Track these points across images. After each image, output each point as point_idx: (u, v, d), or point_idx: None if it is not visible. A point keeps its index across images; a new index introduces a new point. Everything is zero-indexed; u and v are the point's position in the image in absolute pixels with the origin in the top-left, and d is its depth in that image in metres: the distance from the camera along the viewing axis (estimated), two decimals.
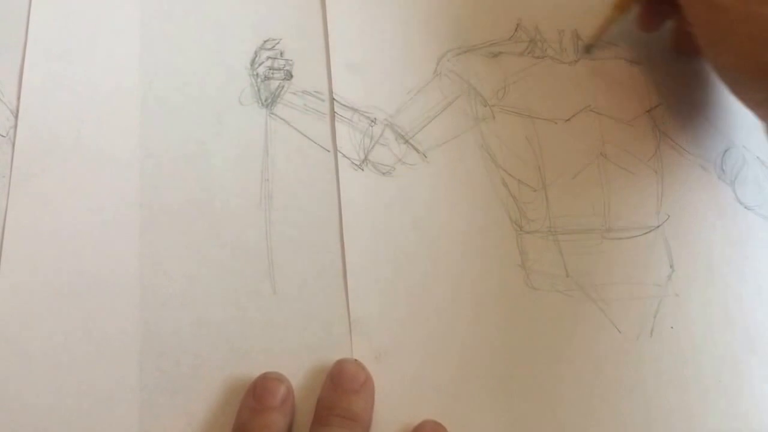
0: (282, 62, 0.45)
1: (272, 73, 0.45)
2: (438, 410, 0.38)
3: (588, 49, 0.47)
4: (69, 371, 0.37)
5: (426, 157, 0.44)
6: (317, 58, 0.46)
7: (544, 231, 0.43)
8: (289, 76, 0.45)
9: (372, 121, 0.44)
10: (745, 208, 0.44)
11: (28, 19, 0.44)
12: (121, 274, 0.39)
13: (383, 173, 0.43)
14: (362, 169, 0.43)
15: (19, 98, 0.42)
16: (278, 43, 0.46)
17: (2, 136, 0.42)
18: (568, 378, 0.40)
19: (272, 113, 0.44)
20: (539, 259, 0.42)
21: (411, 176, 0.43)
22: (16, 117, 0.42)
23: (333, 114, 0.44)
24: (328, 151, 0.43)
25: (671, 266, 0.42)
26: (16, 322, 0.38)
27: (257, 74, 0.45)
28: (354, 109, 0.44)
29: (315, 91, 0.45)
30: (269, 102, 0.44)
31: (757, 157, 0.45)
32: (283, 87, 0.44)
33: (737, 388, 0.40)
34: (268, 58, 0.45)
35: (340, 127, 0.44)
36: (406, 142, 0.44)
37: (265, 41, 0.46)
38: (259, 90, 0.44)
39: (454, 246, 0.42)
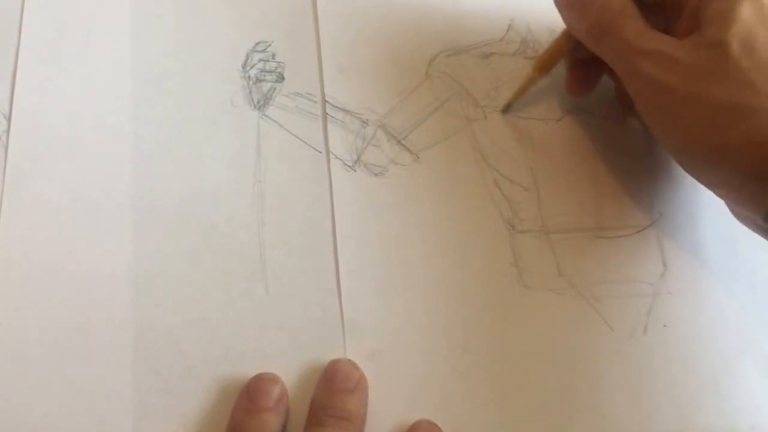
0: (274, 64, 0.46)
1: (264, 75, 0.45)
2: (432, 409, 0.39)
3: (506, 109, 0.46)
4: (62, 372, 0.38)
5: (418, 157, 0.44)
6: (309, 60, 0.46)
7: (536, 230, 0.43)
8: (280, 78, 0.45)
9: (364, 123, 0.45)
10: None
11: (20, 22, 0.45)
12: (114, 276, 0.40)
13: (376, 174, 0.44)
14: (355, 170, 0.44)
15: (11, 102, 0.43)
16: (270, 45, 0.46)
17: None
18: (561, 376, 0.40)
19: (264, 115, 0.44)
20: (532, 258, 0.43)
21: (403, 177, 0.44)
22: (9, 120, 0.43)
23: (325, 115, 0.45)
24: (320, 152, 0.44)
25: (664, 264, 0.43)
26: (9, 323, 0.38)
27: (249, 76, 0.45)
28: (346, 111, 0.45)
29: (307, 93, 0.45)
30: (261, 104, 0.45)
31: None
32: (275, 89, 0.45)
33: (731, 386, 0.41)
34: (260, 60, 0.46)
35: (332, 128, 0.44)
36: (399, 142, 0.45)
37: (256, 43, 0.46)
38: (251, 92, 0.45)
39: (446, 246, 0.42)
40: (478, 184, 0.44)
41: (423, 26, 0.48)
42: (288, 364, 0.39)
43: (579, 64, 0.45)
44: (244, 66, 0.46)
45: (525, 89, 0.45)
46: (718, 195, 0.39)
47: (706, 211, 0.45)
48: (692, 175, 0.39)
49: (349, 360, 0.39)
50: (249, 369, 0.39)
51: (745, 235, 0.44)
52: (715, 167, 0.37)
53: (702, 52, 0.36)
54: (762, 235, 0.38)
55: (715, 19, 0.36)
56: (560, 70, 0.46)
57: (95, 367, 0.38)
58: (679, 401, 0.40)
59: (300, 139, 0.44)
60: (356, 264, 0.41)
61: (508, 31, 0.49)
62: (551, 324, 0.41)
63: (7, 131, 0.42)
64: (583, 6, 0.40)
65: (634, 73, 0.38)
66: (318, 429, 0.37)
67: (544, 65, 0.44)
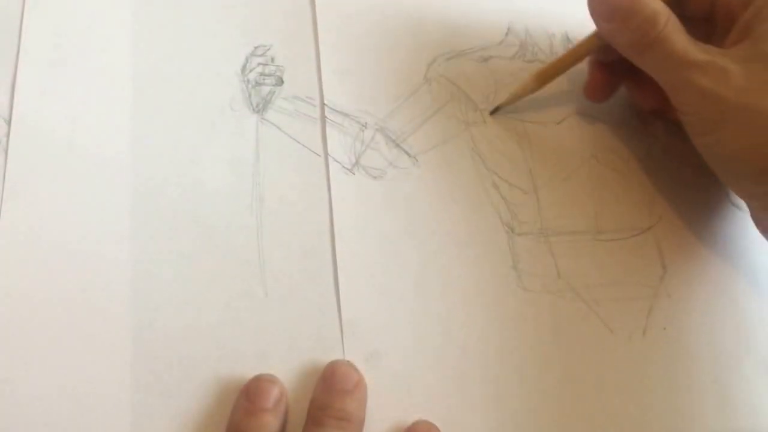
0: (273, 68, 0.48)
1: (263, 79, 0.47)
2: (430, 410, 0.40)
3: (494, 111, 0.48)
4: (60, 375, 0.39)
5: (417, 161, 0.46)
6: (308, 63, 0.48)
7: (535, 233, 0.45)
8: (279, 81, 0.47)
9: (363, 126, 0.47)
10: (738, 209, 0.47)
11: (20, 26, 0.47)
12: (113, 279, 0.41)
13: (374, 177, 0.45)
14: (353, 173, 0.45)
15: (11, 106, 0.44)
16: (269, 49, 0.48)
17: None
18: (560, 379, 0.42)
19: (263, 118, 0.46)
20: (531, 260, 0.44)
21: (402, 180, 0.46)
22: (9, 124, 0.44)
23: (324, 119, 0.46)
24: (319, 155, 0.46)
25: (663, 267, 0.45)
26: (8, 325, 0.40)
27: (248, 80, 0.47)
28: (345, 114, 0.47)
29: (306, 97, 0.47)
30: (260, 107, 0.46)
31: None
32: (274, 93, 0.47)
33: (732, 388, 0.42)
34: (259, 64, 0.47)
35: (331, 131, 0.46)
36: (397, 146, 0.46)
37: (255, 47, 0.48)
38: (250, 96, 0.47)
39: (445, 248, 0.44)
40: (477, 187, 0.46)
41: (421, 30, 0.50)
42: (287, 366, 0.41)
43: (602, 68, 0.47)
44: (243, 70, 0.47)
45: (519, 96, 0.47)
46: (756, 208, 0.41)
47: (705, 213, 0.46)
48: (732, 183, 0.42)
49: (348, 361, 0.41)
50: (248, 370, 0.40)
51: (744, 238, 0.46)
52: (763, 177, 0.39)
53: (757, 65, 0.38)
54: None
55: None
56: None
57: (94, 369, 0.39)
58: (679, 404, 0.42)
59: (299, 143, 0.46)
60: (355, 266, 0.43)
61: (506, 34, 0.51)
62: (550, 326, 0.43)
63: (8, 135, 0.44)
64: (624, 19, 0.41)
65: (684, 85, 0.40)
66: (317, 429, 0.38)
67: (545, 77, 0.46)
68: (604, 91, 0.47)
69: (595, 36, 0.44)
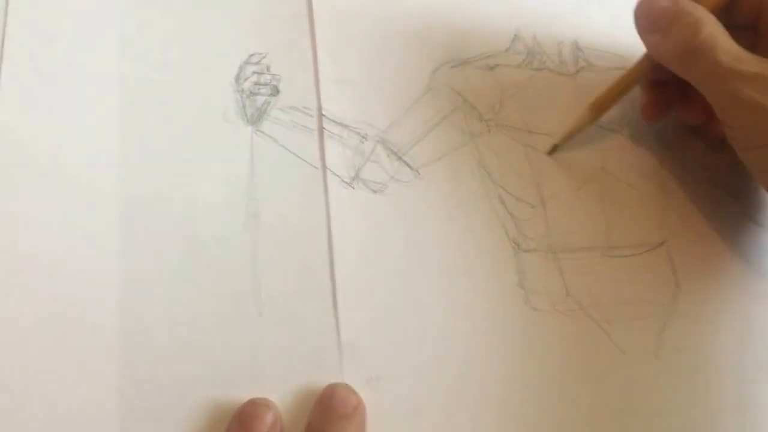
0: (268, 77, 0.47)
1: (258, 89, 0.46)
2: None
3: (553, 150, 0.46)
4: (46, 397, 0.38)
5: (419, 174, 0.45)
6: (305, 72, 0.47)
7: (543, 249, 0.44)
8: (275, 91, 0.46)
9: (363, 138, 0.46)
10: (756, 224, 0.46)
11: (2, 36, 0.46)
12: (100, 299, 0.40)
13: (375, 191, 0.44)
14: (353, 187, 0.44)
15: None
16: (264, 57, 0.47)
17: None
18: (569, 401, 0.41)
19: (258, 130, 0.45)
20: (538, 278, 0.43)
21: (404, 194, 0.45)
22: None
23: (321, 130, 0.46)
24: (317, 168, 0.45)
25: (677, 284, 0.44)
26: None
27: (242, 90, 0.46)
28: (344, 125, 0.46)
29: (303, 107, 0.46)
30: (255, 118, 0.45)
31: None
32: (269, 103, 0.46)
33: (748, 411, 0.41)
34: (254, 73, 0.47)
35: (329, 143, 0.45)
36: (399, 158, 0.45)
37: (250, 55, 0.47)
38: (244, 106, 0.46)
39: (449, 266, 0.43)
40: (482, 201, 0.45)
41: (424, 37, 0.49)
42: (282, 389, 0.40)
43: (657, 87, 0.45)
44: (237, 79, 0.46)
45: (577, 131, 0.46)
46: None
47: (721, 228, 0.45)
48: None
49: (347, 385, 0.40)
50: (241, 394, 0.39)
51: (762, 254, 0.44)
52: None
53: None
54: None
55: None
56: (570, 84, 0.47)
57: (81, 393, 0.39)
58: (695, 427, 0.41)
59: (296, 155, 0.45)
60: (354, 285, 0.42)
61: (513, 41, 0.50)
62: (558, 347, 0.42)
63: None
64: (666, 28, 0.40)
65: (731, 97, 0.38)
66: None
67: (602, 106, 0.45)
68: (660, 110, 0.46)
69: (646, 57, 0.43)
